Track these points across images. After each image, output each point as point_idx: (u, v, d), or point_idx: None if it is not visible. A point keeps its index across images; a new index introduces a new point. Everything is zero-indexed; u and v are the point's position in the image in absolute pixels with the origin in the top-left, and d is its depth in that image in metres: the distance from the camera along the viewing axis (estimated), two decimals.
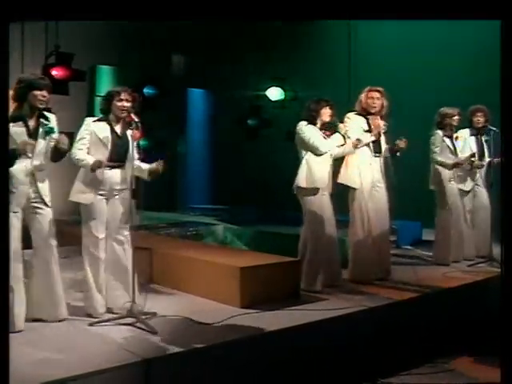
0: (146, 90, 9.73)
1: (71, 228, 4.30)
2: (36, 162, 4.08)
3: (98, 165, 4.29)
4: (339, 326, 4.42)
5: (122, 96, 4.38)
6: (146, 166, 4.53)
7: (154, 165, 4.49)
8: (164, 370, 3.52)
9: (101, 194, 4.41)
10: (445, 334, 4.99)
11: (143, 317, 4.16)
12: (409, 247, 7.59)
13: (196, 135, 13.97)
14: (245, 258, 5.27)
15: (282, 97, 10.70)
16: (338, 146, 5.41)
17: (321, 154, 5.26)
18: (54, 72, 8.67)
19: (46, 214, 4.18)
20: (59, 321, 4.19)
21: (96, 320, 4.22)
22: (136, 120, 4.27)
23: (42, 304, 4.20)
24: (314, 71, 11.07)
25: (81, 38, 9.79)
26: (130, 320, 4.13)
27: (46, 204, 4.18)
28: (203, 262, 5.12)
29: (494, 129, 6.40)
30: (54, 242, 4.20)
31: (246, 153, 12.05)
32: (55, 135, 4.14)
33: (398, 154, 5.69)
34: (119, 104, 4.38)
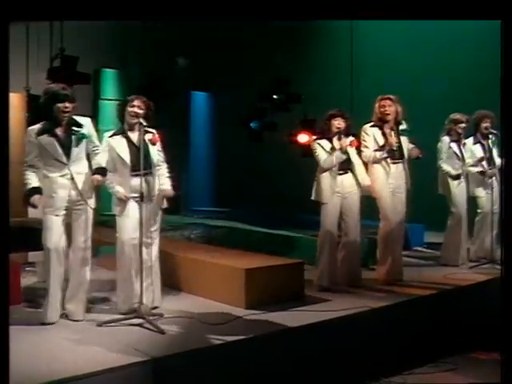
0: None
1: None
2: (74, 168, 4.24)
3: (122, 198, 4.46)
4: (342, 327, 4.44)
5: (135, 102, 4.53)
6: (164, 186, 4.67)
7: (167, 189, 4.67)
8: (172, 368, 3.56)
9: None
10: (447, 333, 5.01)
11: (151, 317, 4.22)
12: (417, 248, 7.67)
13: (199, 138, 14.01)
14: (249, 259, 5.29)
15: (286, 99, 10.69)
16: None
17: (324, 170, 5.36)
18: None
19: (87, 217, 4.32)
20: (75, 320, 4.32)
21: (105, 320, 4.26)
22: (144, 124, 4.36)
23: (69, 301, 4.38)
24: (318, 73, 11.10)
25: (85, 41, 9.84)
26: (137, 320, 4.18)
27: (87, 206, 4.31)
28: (208, 264, 5.17)
29: (495, 132, 6.41)
30: (88, 244, 4.33)
31: (250, 155, 12.07)
32: (95, 177, 4.29)
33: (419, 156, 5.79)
34: (130, 109, 4.53)
